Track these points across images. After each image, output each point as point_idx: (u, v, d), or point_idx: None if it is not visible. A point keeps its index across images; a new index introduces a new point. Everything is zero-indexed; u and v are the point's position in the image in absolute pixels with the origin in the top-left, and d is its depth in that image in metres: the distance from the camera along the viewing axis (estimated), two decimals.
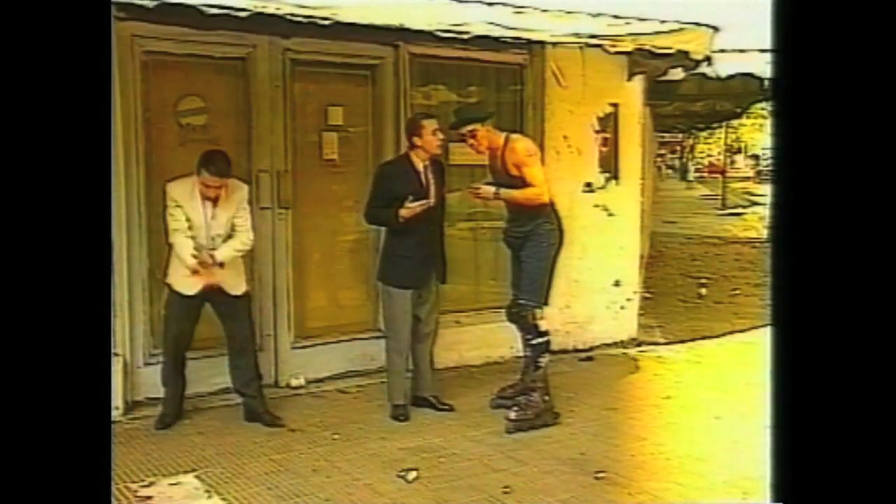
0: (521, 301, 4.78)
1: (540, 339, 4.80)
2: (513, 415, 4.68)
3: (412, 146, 4.89)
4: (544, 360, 4.81)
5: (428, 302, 4.96)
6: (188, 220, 4.52)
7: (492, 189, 4.77)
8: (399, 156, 5.16)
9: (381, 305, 5.19)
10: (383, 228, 5.07)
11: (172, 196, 4.54)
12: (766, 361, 2.06)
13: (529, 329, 4.80)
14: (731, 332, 7.52)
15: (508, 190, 4.71)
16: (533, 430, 4.61)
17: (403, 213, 4.67)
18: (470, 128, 4.74)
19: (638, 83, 6.81)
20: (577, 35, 4.73)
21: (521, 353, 5.17)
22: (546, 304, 4.84)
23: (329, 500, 3.77)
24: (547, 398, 4.81)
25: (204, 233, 4.57)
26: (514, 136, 4.86)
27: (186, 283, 4.58)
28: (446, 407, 5.03)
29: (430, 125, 4.86)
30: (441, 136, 4.87)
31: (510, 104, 6.44)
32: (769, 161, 36.02)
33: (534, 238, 4.76)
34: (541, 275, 4.77)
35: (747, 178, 36.45)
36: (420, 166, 4.86)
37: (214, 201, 4.55)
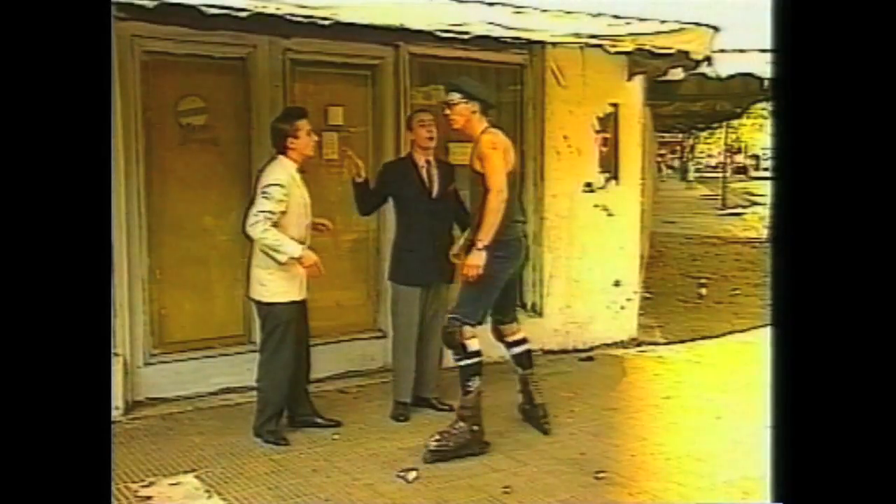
0: (451, 315, 4.33)
1: (469, 361, 4.27)
2: (432, 444, 4.22)
3: (411, 143, 4.98)
4: (474, 383, 4.27)
5: (436, 300, 4.96)
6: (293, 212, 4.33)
7: (480, 258, 4.17)
8: (403, 155, 5.22)
9: (389, 303, 5.20)
10: (394, 228, 5.10)
11: (279, 180, 4.24)
12: (766, 361, 2.06)
13: (457, 348, 4.28)
14: (731, 332, 7.52)
15: (484, 232, 4.19)
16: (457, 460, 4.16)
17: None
18: (447, 98, 4.36)
19: (638, 83, 6.81)
20: (577, 35, 4.73)
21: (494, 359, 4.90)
22: (481, 322, 4.35)
23: (329, 500, 3.77)
24: (476, 428, 4.28)
25: (305, 220, 4.45)
26: (492, 129, 4.38)
27: (301, 289, 4.45)
28: (446, 407, 5.02)
29: (418, 117, 4.93)
30: (432, 129, 4.87)
31: (510, 104, 6.44)
32: (732, 159, 35.93)
33: None
34: (477, 288, 4.25)
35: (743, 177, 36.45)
36: (421, 161, 4.90)
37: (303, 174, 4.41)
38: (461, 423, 4.27)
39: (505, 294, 4.47)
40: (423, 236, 4.85)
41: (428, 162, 4.91)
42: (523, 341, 4.67)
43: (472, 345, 4.28)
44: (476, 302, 4.31)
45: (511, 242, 4.34)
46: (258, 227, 4.20)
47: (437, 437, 4.25)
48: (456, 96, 4.34)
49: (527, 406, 4.69)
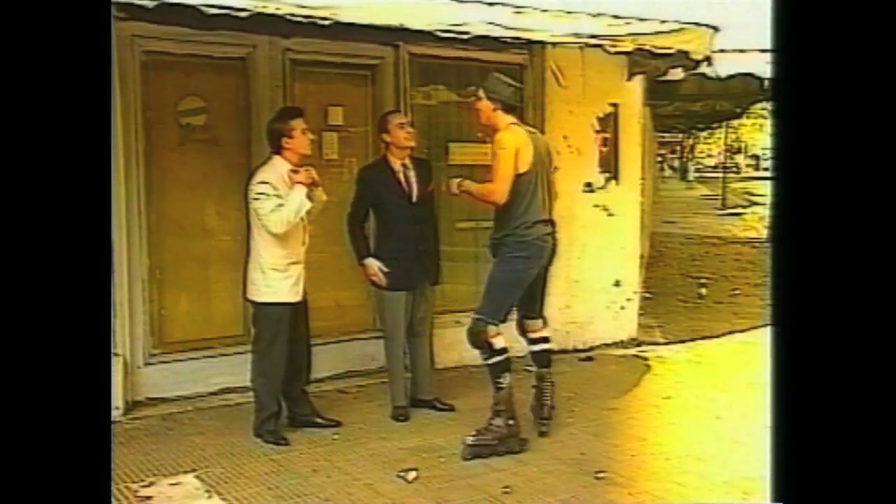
0: (475, 316, 4.38)
1: (497, 358, 4.37)
2: (470, 439, 4.29)
3: (386, 145, 4.89)
4: (505, 380, 4.36)
5: (423, 302, 4.94)
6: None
7: (455, 181, 4.53)
8: (377, 158, 5.12)
9: (376, 309, 5.19)
10: (374, 230, 5.05)
11: (267, 179, 4.32)
12: (766, 361, 2.06)
13: (484, 347, 4.38)
14: (731, 332, 7.53)
15: (469, 182, 4.51)
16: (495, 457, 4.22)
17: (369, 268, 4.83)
18: (476, 93, 4.49)
19: (638, 83, 6.82)
20: (577, 35, 4.73)
21: (520, 354, 5.06)
22: (503, 320, 4.40)
23: (329, 500, 3.77)
24: (511, 422, 4.36)
25: (302, 225, 4.46)
26: (514, 126, 4.41)
27: (296, 290, 4.47)
28: (447, 407, 5.03)
29: (394, 119, 4.88)
30: (410, 129, 4.85)
31: None
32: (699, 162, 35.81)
33: (504, 247, 4.41)
34: (498, 288, 4.39)
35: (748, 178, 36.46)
36: (397, 165, 4.84)
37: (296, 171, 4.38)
38: (497, 419, 4.34)
39: (531, 290, 4.50)
40: (406, 243, 4.76)
41: (404, 165, 4.82)
42: (545, 340, 4.72)
43: (498, 342, 4.36)
44: (499, 301, 4.39)
45: (532, 243, 4.39)
46: (272, 222, 4.28)
47: (475, 432, 4.31)
48: (481, 92, 4.45)
49: (534, 402, 4.68)
